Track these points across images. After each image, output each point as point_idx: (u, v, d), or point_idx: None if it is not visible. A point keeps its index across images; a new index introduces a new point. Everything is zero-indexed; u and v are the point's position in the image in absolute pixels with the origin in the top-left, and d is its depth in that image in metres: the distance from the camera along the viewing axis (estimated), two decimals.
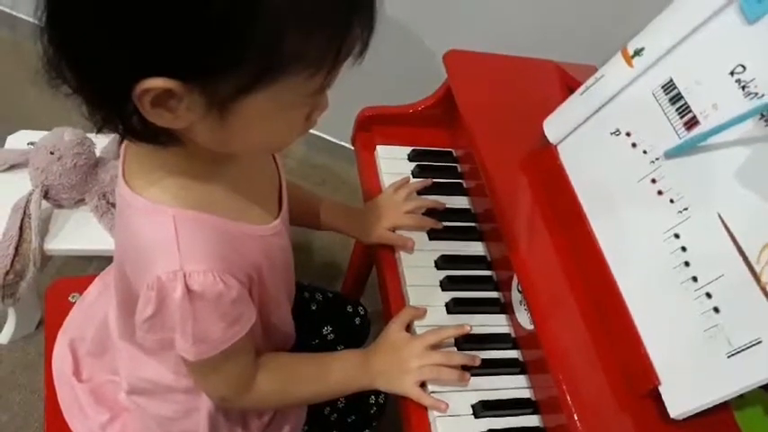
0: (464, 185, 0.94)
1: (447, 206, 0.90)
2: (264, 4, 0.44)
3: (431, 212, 0.89)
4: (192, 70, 0.46)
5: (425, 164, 0.95)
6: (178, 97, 0.48)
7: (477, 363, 0.74)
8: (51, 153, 1.06)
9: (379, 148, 0.95)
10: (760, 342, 0.58)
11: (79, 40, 0.47)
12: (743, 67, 0.65)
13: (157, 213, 0.57)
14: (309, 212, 0.88)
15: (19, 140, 1.19)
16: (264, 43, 0.46)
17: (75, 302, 0.88)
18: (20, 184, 1.09)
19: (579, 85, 0.80)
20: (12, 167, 1.13)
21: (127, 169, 0.60)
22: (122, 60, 0.46)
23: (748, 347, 0.58)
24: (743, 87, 0.65)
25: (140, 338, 0.60)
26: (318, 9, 0.47)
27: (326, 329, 0.95)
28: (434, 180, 0.92)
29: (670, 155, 0.68)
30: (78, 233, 1.10)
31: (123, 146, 0.62)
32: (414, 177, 0.93)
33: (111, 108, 0.51)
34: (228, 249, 0.59)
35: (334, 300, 1.00)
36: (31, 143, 1.14)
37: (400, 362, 0.73)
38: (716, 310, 0.61)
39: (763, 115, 0.63)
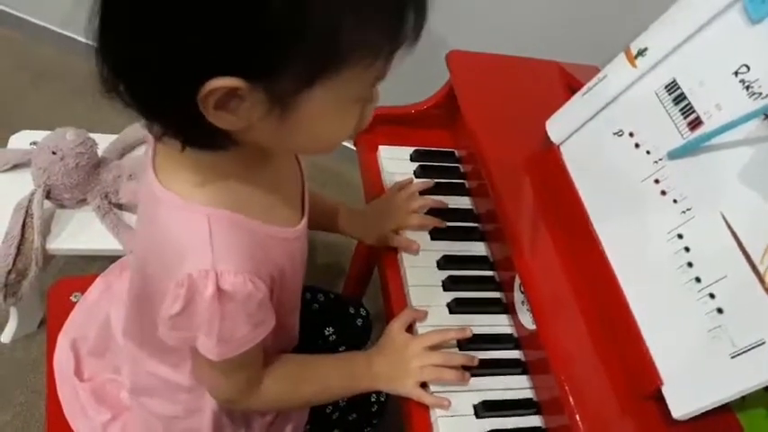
0: (466, 186, 0.94)
1: (449, 206, 0.90)
2: None
3: (433, 213, 0.88)
4: (256, 67, 0.46)
5: (428, 164, 0.95)
6: (241, 97, 0.48)
7: (476, 363, 0.74)
8: (54, 153, 1.06)
9: (381, 148, 0.95)
10: (763, 343, 0.57)
11: (141, 48, 0.46)
12: (747, 67, 0.65)
13: (191, 211, 0.57)
14: (325, 216, 0.88)
15: (21, 140, 1.19)
16: (323, 33, 0.46)
17: (77, 302, 0.88)
18: (22, 184, 1.09)
19: (581, 85, 0.80)
20: (14, 167, 1.13)
21: (158, 164, 0.60)
22: (189, 62, 0.46)
23: (752, 348, 0.58)
24: (747, 87, 0.65)
25: (162, 335, 0.59)
26: None
27: (329, 331, 0.95)
28: (437, 180, 0.92)
29: (674, 156, 0.68)
30: (80, 233, 1.10)
31: (152, 140, 0.61)
32: (416, 177, 0.93)
33: (173, 116, 0.51)
34: (258, 251, 0.58)
35: (336, 301, 1.00)
36: (34, 143, 1.14)
37: (401, 363, 0.73)
38: (719, 310, 0.61)
39: (766, 115, 0.63)
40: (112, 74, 0.49)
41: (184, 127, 0.51)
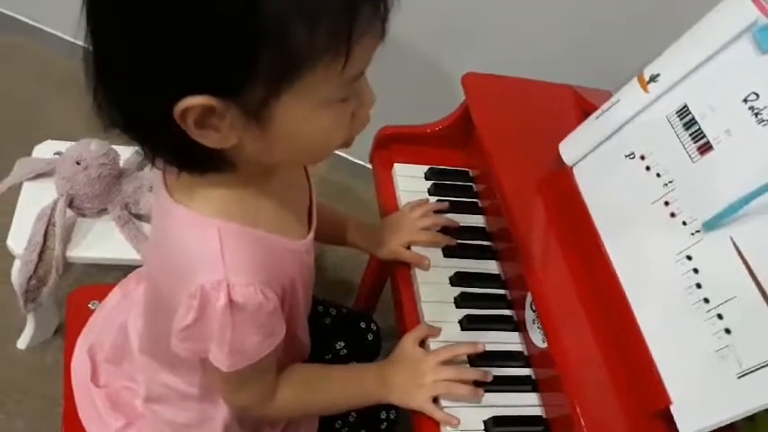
0: (479, 204, 0.95)
1: (462, 224, 0.91)
2: (263, 4, 0.45)
3: (445, 231, 0.90)
4: (220, 84, 0.48)
5: (442, 183, 0.96)
6: (219, 114, 0.49)
7: (489, 379, 0.75)
8: (77, 163, 1.08)
9: (396, 165, 0.97)
10: None
11: (118, 77, 0.49)
12: (756, 95, 0.67)
13: (201, 225, 0.58)
14: (334, 229, 0.89)
15: (45, 150, 1.21)
16: (276, 43, 0.46)
17: (94, 309, 0.90)
18: (45, 193, 1.11)
19: (594, 109, 0.82)
20: (38, 176, 1.15)
21: (169, 178, 0.61)
22: (155, 85, 0.48)
23: (759, 369, 0.58)
24: (756, 114, 0.66)
25: (174, 347, 0.60)
26: None
27: (339, 345, 0.95)
28: (450, 199, 0.94)
29: (709, 227, 0.66)
30: (100, 242, 1.12)
31: None
32: (430, 195, 0.94)
33: (162, 139, 0.52)
34: (270, 261, 0.60)
35: (347, 315, 1.01)
36: (58, 153, 1.16)
37: (414, 376, 0.74)
38: (727, 331, 0.62)
39: None
40: (108, 100, 0.51)
41: (177, 151, 0.53)
